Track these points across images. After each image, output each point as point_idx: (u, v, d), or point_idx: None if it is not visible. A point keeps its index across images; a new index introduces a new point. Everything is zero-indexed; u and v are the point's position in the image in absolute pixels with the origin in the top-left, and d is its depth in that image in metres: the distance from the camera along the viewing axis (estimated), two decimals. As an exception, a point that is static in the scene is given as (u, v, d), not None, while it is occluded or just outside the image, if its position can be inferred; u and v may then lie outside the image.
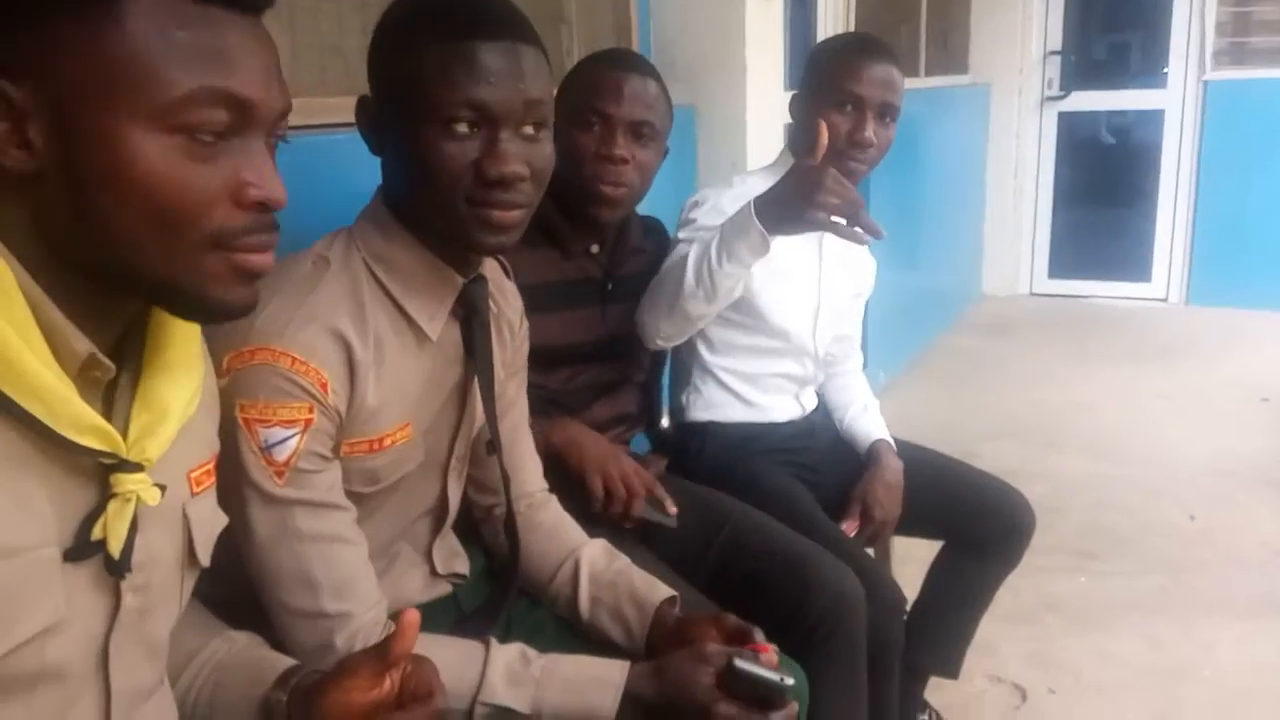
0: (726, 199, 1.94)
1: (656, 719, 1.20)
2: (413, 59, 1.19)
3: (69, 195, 0.78)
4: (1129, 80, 7.10)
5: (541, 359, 1.66)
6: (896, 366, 4.87)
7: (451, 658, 1.14)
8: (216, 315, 0.86)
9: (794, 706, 1.20)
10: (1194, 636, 2.73)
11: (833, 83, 1.97)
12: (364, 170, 1.45)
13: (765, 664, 1.21)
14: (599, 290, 1.84)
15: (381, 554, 1.33)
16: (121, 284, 0.83)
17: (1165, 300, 6.43)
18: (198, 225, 0.79)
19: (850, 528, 2.01)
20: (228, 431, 1.08)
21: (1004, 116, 6.56)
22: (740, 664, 1.17)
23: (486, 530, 1.54)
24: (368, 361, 1.19)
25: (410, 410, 1.27)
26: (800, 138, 2.04)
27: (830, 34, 4.01)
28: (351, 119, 1.71)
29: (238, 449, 1.11)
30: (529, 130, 1.20)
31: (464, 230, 1.21)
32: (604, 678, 1.21)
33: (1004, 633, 2.66)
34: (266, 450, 1.12)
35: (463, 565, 1.47)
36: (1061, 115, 6.62)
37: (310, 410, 1.13)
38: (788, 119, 3.12)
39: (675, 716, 1.19)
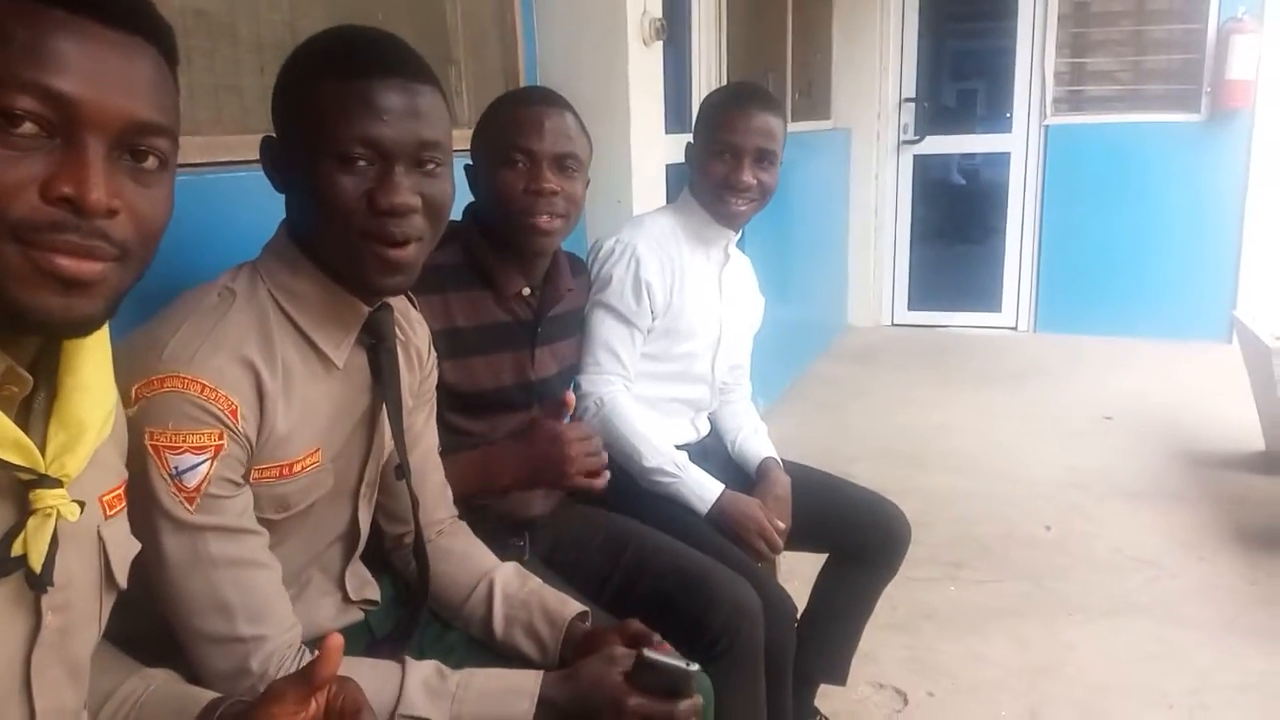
0: (642, 244, 2.08)
1: None
2: (312, 97, 1.19)
3: None
4: (976, 125, 7.44)
5: (469, 404, 1.66)
6: (773, 394, 4.97)
7: (368, 676, 1.12)
8: (29, 320, 0.79)
9: (699, 697, 1.24)
10: (1058, 636, 2.84)
11: (713, 132, 2.09)
12: (260, 207, 1.43)
13: (669, 654, 1.25)
14: (530, 333, 1.82)
15: (293, 581, 1.30)
16: None
17: (1015, 328, 6.71)
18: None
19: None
20: (137, 460, 1.06)
21: (864, 159, 6.78)
22: (648, 653, 1.21)
23: (398, 558, 1.52)
24: (276, 390, 1.18)
25: (319, 437, 1.25)
26: (698, 181, 2.17)
27: (704, 79, 4.12)
28: (247, 156, 1.70)
29: (148, 477, 1.08)
30: (425, 167, 1.21)
31: (360, 270, 1.20)
32: (519, 686, 1.23)
33: (884, 641, 2.73)
34: (177, 477, 1.09)
35: (373, 592, 1.45)
36: (916, 158, 6.87)
37: (220, 436, 1.11)
38: (668, 159, 3.23)
39: (589, 718, 1.21)
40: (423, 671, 1.21)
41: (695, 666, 1.22)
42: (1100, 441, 4.50)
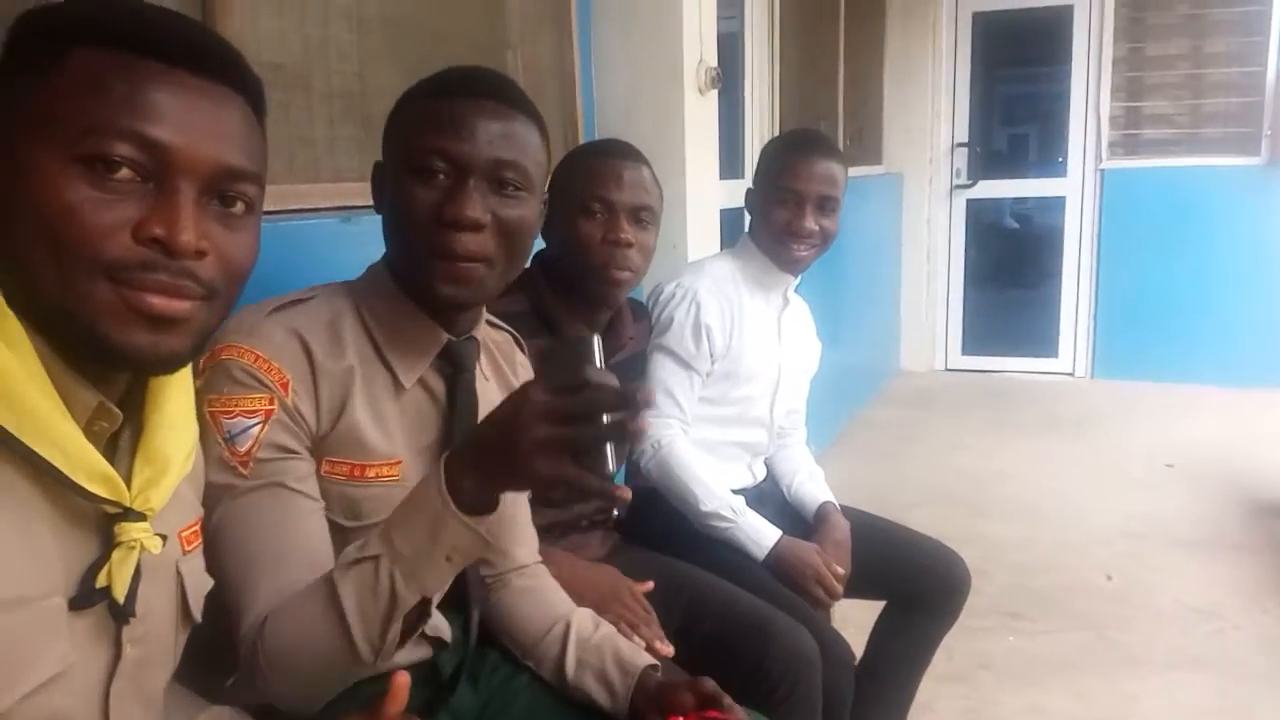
0: (703, 288, 2.11)
1: (485, 471, 1.02)
2: (404, 116, 1.26)
3: (6, 237, 0.80)
4: (1029, 169, 7.40)
5: None
6: (825, 439, 4.95)
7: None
8: (118, 357, 0.82)
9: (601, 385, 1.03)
10: (1119, 689, 2.79)
11: (775, 179, 2.13)
12: (332, 253, 1.48)
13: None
14: None
15: None
16: (56, 329, 0.81)
17: (1072, 374, 6.63)
18: (89, 251, 0.78)
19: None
20: (201, 430, 1.07)
21: (916, 204, 6.78)
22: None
23: (479, 598, 1.52)
24: (335, 374, 1.21)
25: (394, 449, 1.27)
26: (758, 227, 2.19)
27: (757, 126, 4.16)
28: (319, 204, 1.76)
29: (206, 444, 1.11)
30: (505, 189, 1.23)
31: (425, 278, 1.23)
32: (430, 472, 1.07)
33: (941, 691, 2.70)
34: (230, 441, 1.13)
35: (444, 629, 1.46)
36: (970, 202, 6.86)
37: (271, 401, 1.15)
38: (722, 204, 3.25)
39: (492, 454, 1.01)
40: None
41: (595, 336, 1.02)
42: (1161, 490, 4.42)
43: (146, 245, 0.80)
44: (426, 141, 1.21)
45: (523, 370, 1.51)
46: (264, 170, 0.91)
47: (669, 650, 1.63)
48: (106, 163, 0.79)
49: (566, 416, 0.96)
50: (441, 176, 1.21)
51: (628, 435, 0.98)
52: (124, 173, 0.80)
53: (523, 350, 1.53)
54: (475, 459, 1.02)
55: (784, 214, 2.10)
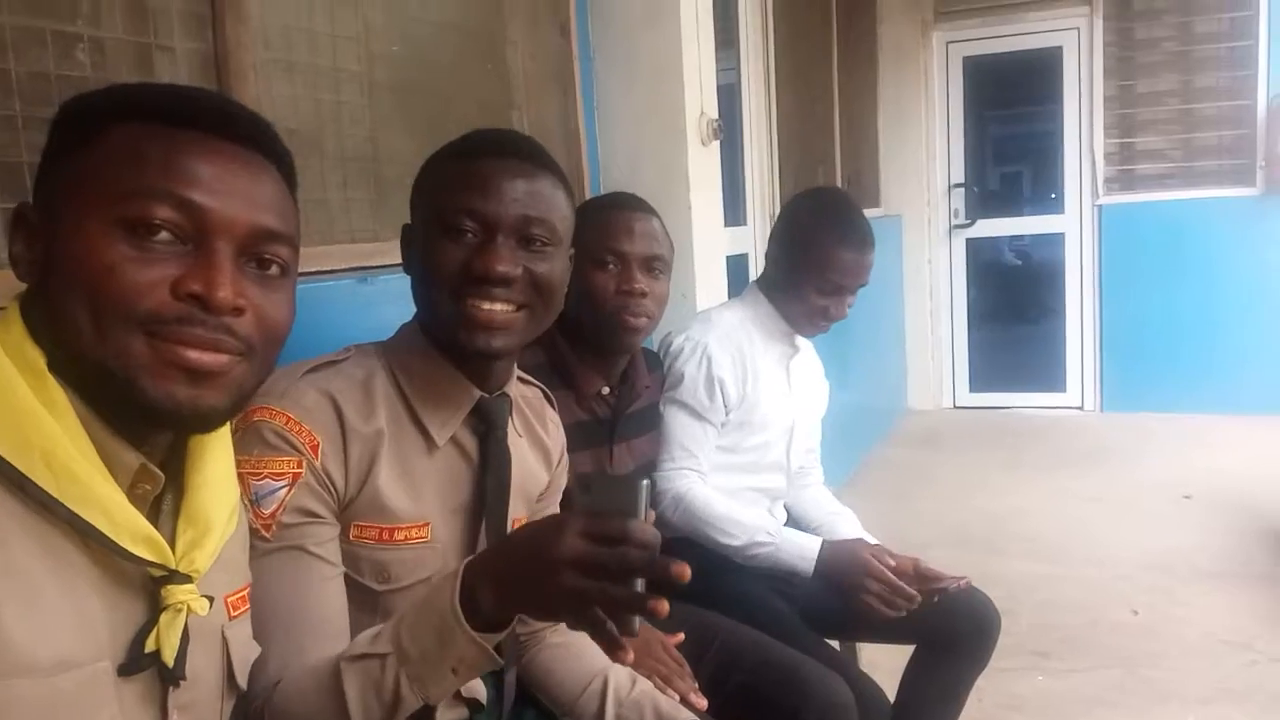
0: (713, 341, 2.10)
1: (506, 593, 1.01)
2: (431, 178, 1.28)
3: (49, 300, 0.82)
4: (1024, 207, 7.45)
5: None
6: (837, 479, 4.90)
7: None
8: (157, 412, 0.82)
9: (653, 514, 1.02)
10: (1154, 727, 2.74)
11: (826, 272, 2.12)
12: (347, 315, 1.48)
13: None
14: (608, 431, 1.86)
15: None
16: (95, 389, 0.82)
17: (1081, 408, 6.61)
18: (127, 307, 0.80)
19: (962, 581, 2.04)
20: None
21: (916, 244, 6.80)
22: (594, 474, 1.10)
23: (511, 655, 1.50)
24: (366, 436, 1.20)
25: (429, 512, 1.27)
26: (780, 279, 2.20)
27: (757, 173, 4.19)
28: (333, 266, 1.76)
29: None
30: (533, 245, 1.25)
31: (455, 331, 1.23)
32: (444, 580, 1.07)
33: (973, 735, 2.65)
34: (256, 502, 1.13)
35: (480, 691, 1.44)
36: (969, 241, 6.88)
37: (299, 465, 1.15)
38: (729, 252, 3.26)
39: (517, 575, 1.00)
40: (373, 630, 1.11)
41: (646, 481, 0.99)
42: (1181, 521, 4.38)
43: (184, 301, 0.82)
44: (456, 201, 1.22)
45: (553, 427, 1.50)
46: (298, 235, 0.93)
47: (703, 703, 1.61)
48: (146, 225, 0.81)
49: (600, 569, 0.93)
50: (470, 235, 1.22)
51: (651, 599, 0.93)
52: (163, 235, 0.82)
53: (552, 405, 1.53)
54: (498, 578, 1.00)
55: (825, 303, 2.13)
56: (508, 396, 1.34)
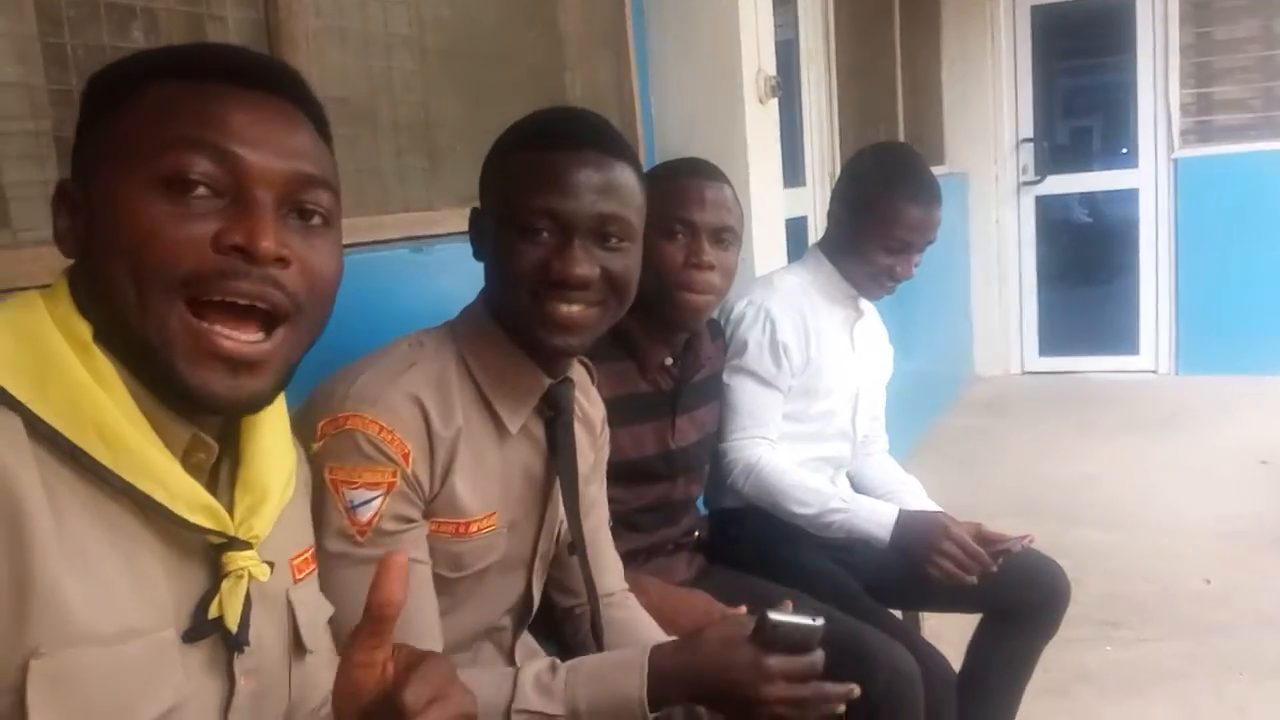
0: (775, 306, 2.09)
1: (698, 699, 1.23)
2: (504, 169, 1.28)
3: (94, 272, 0.82)
4: (1094, 162, 7.28)
5: (614, 473, 1.68)
6: (901, 450, 4.84)
7: (485, 680, 1.17)
8: (198, 401, 0.82)
9: (820, 653, 1.22)
10: (1227, 699, 2.71)
11: (892, 228, 2.10)
12: (406, 286, 1.49)
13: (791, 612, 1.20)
14: (671, 402, 1.86)
15: (465, 649, 1.34)
16: (144, 369, 0.82)
17: (1155, 371, 6.48)
18: (169, 267, 0.79)
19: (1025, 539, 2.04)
20: (318, 494, 1.12)
21: (983, 203, 6.69)
22: (775, 615, 1.17)
23: (568, 629, 1.53)
24: (449, 439, 1.22)
25: (496, 501, 1.29)
26: (843, 239, 2.18)
27: (818, 135, 4.14)
28: (390, 235, 1.78)
29: (325, 510, 1.14)
30: (609, 241, 1.25)
31: (530, 327, 1.25)
32: (627, 661, 1.21)
33: (1039, 707, 2.61)
34: (351, 510, 1.16)
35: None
36: (1039, 199, 6.75)
37: (394, 475, 1.17)
38: (788, 214, 3.24)
39: (713, 692, 1.20)
40: (535, 668, 1.22)
41: (821, 621, 1.18)
42: (1258, 488, 4.29)
43: (226, 254, 0.80)
44: (530, 200, 1.22)
45: (595, 401, 1.52)
46: (337, 183, 0.92)
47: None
48: (182, 181, 0.80)
49: (801, 703, 1.19)
50: (546, 234, 1.23)
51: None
52: (200, 190, 0.81)
53: (593, 377, 1.54)
54: (691, 688, 1.20)
55: (889, 260, 2.11)
56: (571, 381, 1.37)
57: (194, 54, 0.88)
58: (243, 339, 0.82)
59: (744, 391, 2.05)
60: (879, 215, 2.10)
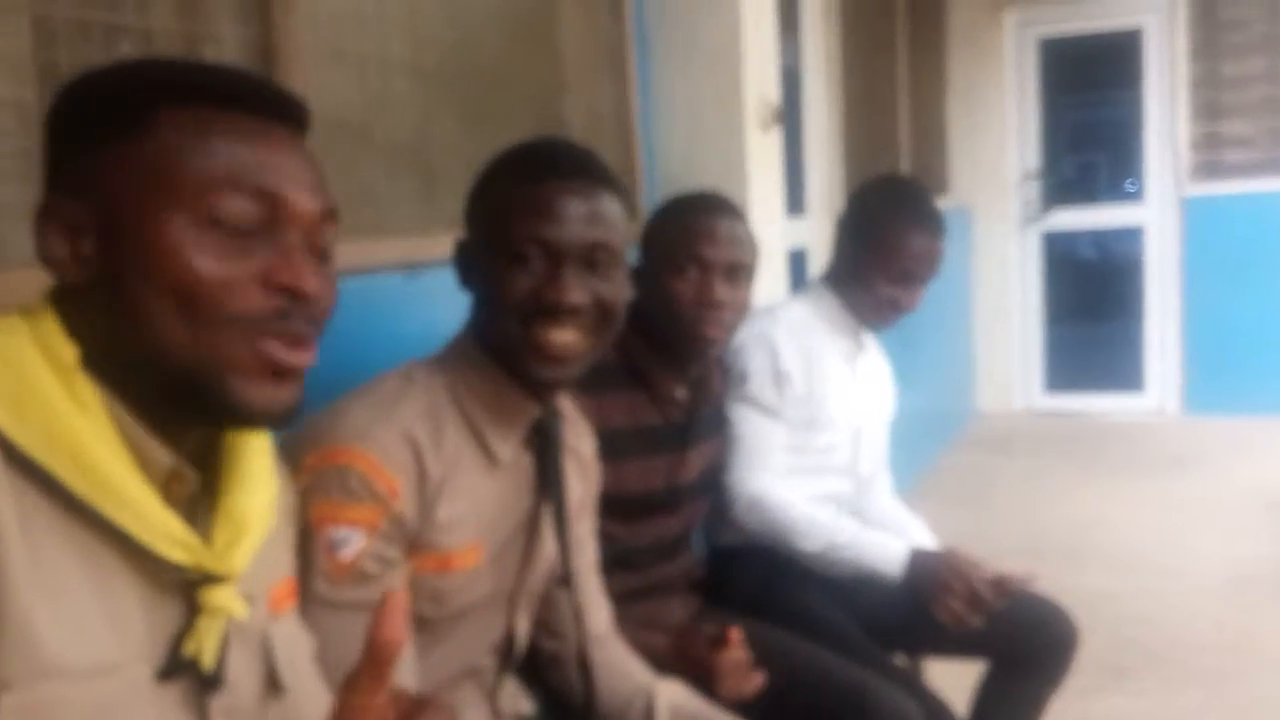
0: (778, 335, 2.10)
1: None
2: (493, 198, 1.30)
3: (112, 298, 0.82)
4: (1102, 198, 7.32)
5: (616, 508, 1.67)
6: (903, 486, 4.84)
7: None
8: (243, 415, 0.85)
9: None
10: (1241, 752, 2.69)
11: (898, 260, 2.12)
12: (399, 311, 1.48)
13: None
14: (681, 436, 1.86)
15: (444, 691, 1.31)
16: (166, 389, 0.83)
17: (1161, 411, 6.49)
18: (224, 308, 0.82)
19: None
20: (305, 533, 1.12)
21: (986, 236, 6.73)
22: None
23: (554, 675, 1.52)
24: (439, 475, 1.22)
25: (481, 533, 1.29)
26: (845, 269, 2.21)
27: (820, 163, 4.16)
28: (386, 260, 1.78)
29: (310, 550, 1.13)
30: (597, 268, 1.26)
31: (520, 358, 1.26)
32: None
33: (1047, 757, 2.61)
34: (332, 549, 1.15)
35: (525, 706, 1.45)
36: (1044, 234, 6.78)
37: (378, 514, 1.17)
38: (790, 245, 3.24)
39: None
40: None
41: None
42: (1269, 532, 4.29)
43: (275, 295, 0.84)
44: (519, 229, 1.24)
45: (586, 436, 1.53)
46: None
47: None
48: (230, 220, 0.83)
49: None
50: (535, 262, 1.24)
51: None
52: (245, 228, 0.84)
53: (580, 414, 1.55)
54: None
55: (893, 290, 2.12)
56: (560, 412, 1.38)
57: (210, 77, 0.88)
58: (294, 353, 0.86)
59: (747, 423, 2.04)
60: (883, 245, 2.11)
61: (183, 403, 0.84)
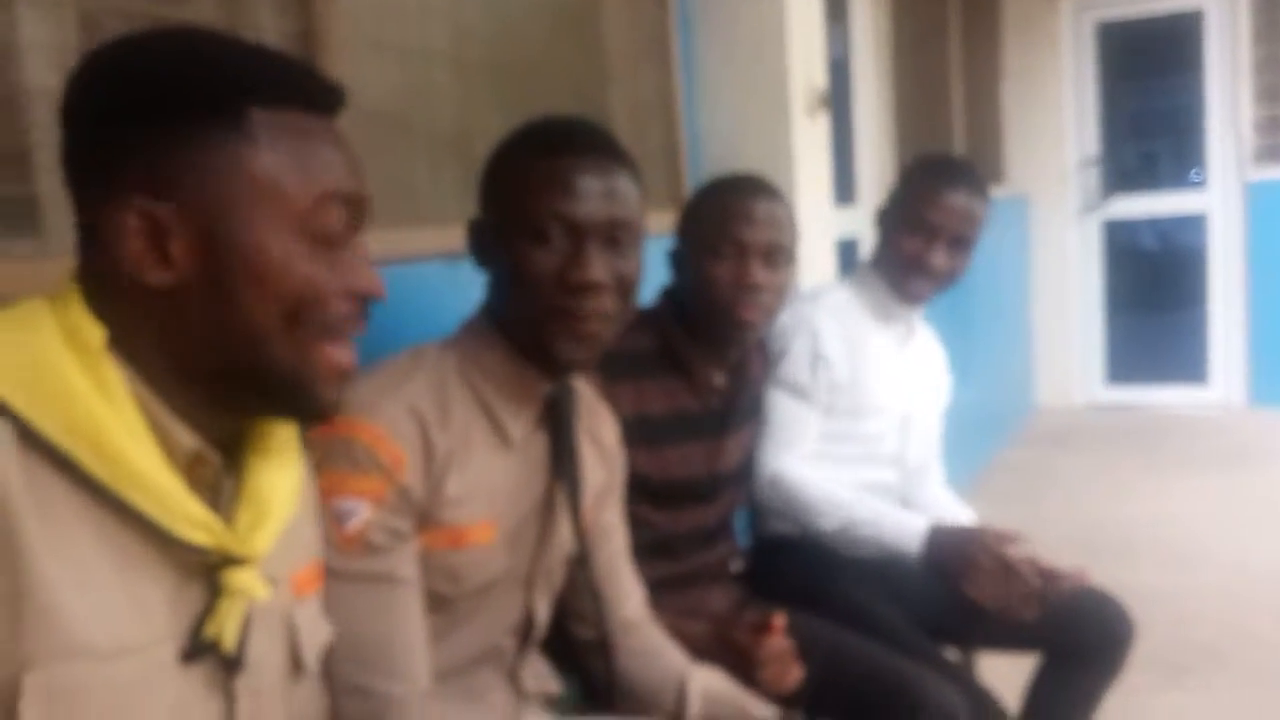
0: (819, 317, 2.08)
1: None
2: (510, 176, 1.29)
3: (209, 303, 0.83)
4: (1163, 185, 7.20)
5: (657, 494, 1.67)
6: (959, 484, 4.80)
7: None
8: (315, 413, 0.91)
9: None
10: (1305, 751, 2.64)
11: (912, 206, 2.09)
12: (434, 298, 1.50)
13: None
14: (720, 422, 1.85)
15: (463, 673, 1.33)
16: (241, 386, 0.87)
17: (1226, 403, 6.38)
18: (321, 314, 0.87)
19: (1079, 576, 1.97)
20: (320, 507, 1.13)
21: (1044, 225, 6.65)
22: None
23: (595, 664, 1.51)
24: (446, 447, 1.24)
25: (494, 511, 1.29)
26: (885, 251, 2.17)
27: (872, 151, 4.13)
28: (423, 248, 1.79)
29: (324, 523, 1.14)
30: (618, 245, 1.27)
31: (547, 342, 1.26)
32: None
33: (1102, 755, 2.58)
34: (338, 519, 1.16)
35: (553, 685, 1.46)
36: (1104, 222, 6.68)
37: (383, 485, 1.18)
38: (840, 233, 3.22)
39: None
40: None
41: None
42: (1336, 528, 4.20)
43: (354, 300, 0.89)
44: (540, 205, 1.24)
45: (607, 421, 1.53)
46: None
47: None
48: (329, 231, 0.87)
49: None
50: (557, 239, 1.24)
51: None
52: (338, 237, 0.88)
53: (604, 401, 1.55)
54: None
55: (914, 244, 2.07)
56: (573, 391, 1.38)
57: (293, 77, 0.89)
58: (351, 355, 0.91)
59: (778, 403, 2.04)
60: (907, 196, 2.12)
61: (271, 404, 0.90)
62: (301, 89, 0.88)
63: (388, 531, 1.19)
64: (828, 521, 1.98)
